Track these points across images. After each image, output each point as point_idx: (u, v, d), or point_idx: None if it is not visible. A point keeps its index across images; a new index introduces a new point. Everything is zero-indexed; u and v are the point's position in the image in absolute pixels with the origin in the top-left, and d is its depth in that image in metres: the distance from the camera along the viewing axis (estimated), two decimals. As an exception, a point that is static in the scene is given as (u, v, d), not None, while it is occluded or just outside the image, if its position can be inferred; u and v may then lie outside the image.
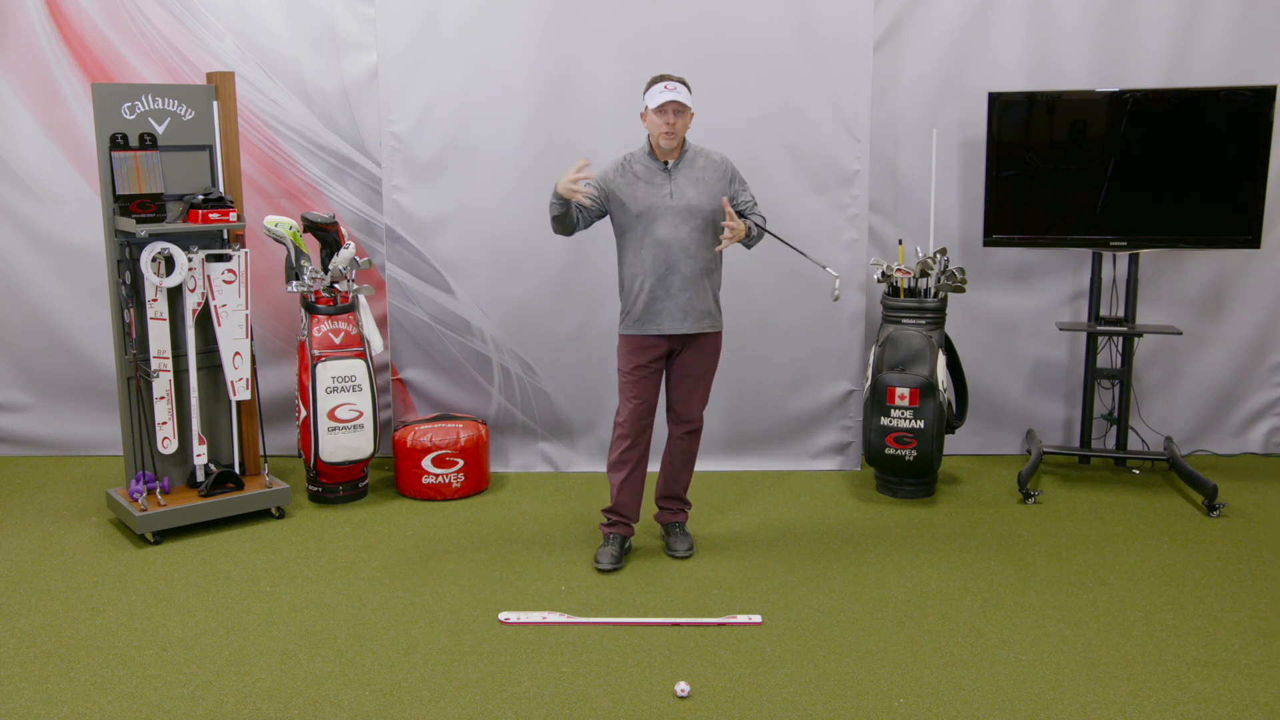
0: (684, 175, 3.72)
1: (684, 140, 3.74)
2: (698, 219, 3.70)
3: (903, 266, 4.66)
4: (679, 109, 3.61)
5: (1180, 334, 4.87)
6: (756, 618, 3.46)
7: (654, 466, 4.05)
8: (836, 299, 3.87)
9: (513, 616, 3.47)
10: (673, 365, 3.84)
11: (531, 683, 3.06)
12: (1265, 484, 4.82)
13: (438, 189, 4.83)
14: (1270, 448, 5.25)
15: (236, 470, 4.43)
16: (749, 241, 3.78)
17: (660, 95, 3.59)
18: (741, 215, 3.78)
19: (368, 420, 4.50)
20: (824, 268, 3.95)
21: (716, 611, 3.51)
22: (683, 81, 3.64)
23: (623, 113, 4.70)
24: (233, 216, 4.24)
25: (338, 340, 4.49)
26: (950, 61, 4.88)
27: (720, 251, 3.73)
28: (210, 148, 4.33)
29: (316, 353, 4.45)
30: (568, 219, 3.69)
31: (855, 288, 4.92)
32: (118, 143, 4.10)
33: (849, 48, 4.73)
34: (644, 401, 3.80)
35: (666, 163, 3.72)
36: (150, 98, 4.18)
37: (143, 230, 4.06)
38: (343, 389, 4.46)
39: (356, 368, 4.48)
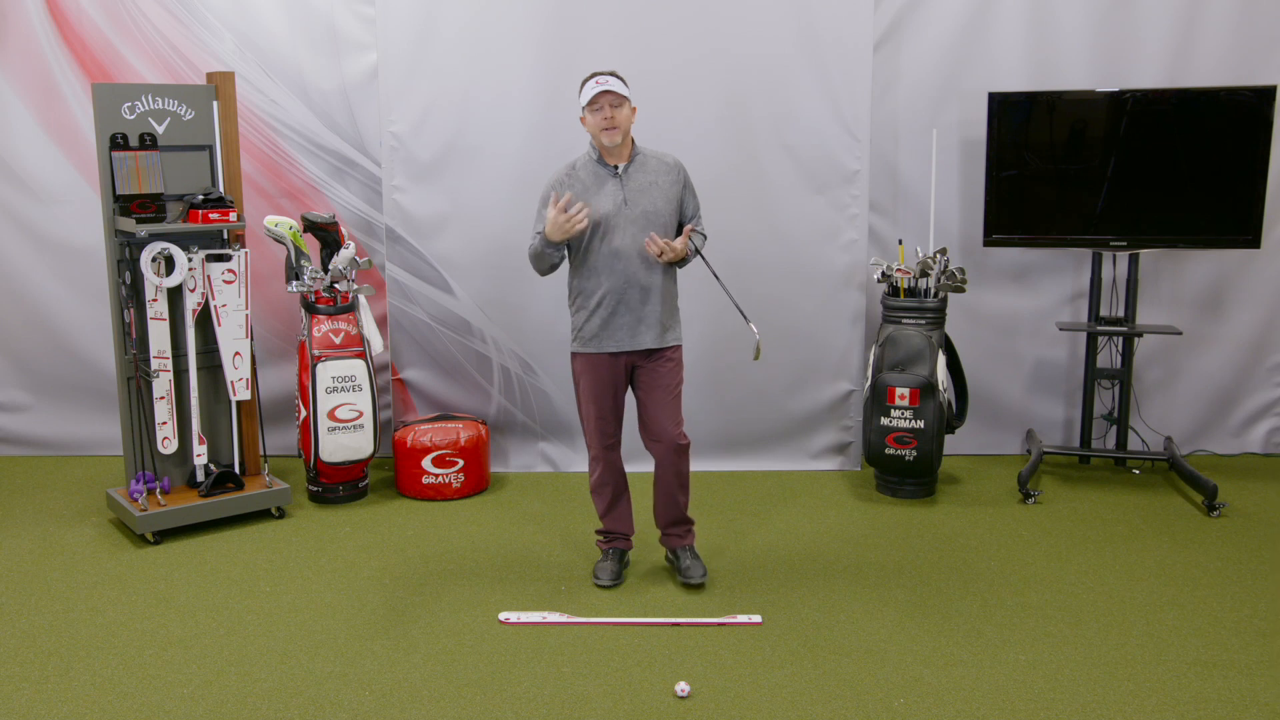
0: (637, 180, 3.50)
1: (632, 141, 3.53)
2: (655, 225, 3.49)
3: (903, 266, 4.66)
4: (616, 101, 3.40)
5: (1180, 334, 4.87)
6: (756, 618, 3.45)
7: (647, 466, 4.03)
8: (756, 358, 3.58)
9: (513, 616, 3.47)
10: (638, 384, 3.61)
11: (531, 683, 3.06)
12: (1265, 484, 4.82)
13: (438, 189, 4.83)
14: (1270, 448, 5.25)
15: (236, 470, 4.43)
16: (682, 263, 3.59)
17: (591, 89, 3.40)
18: (679, 228, 3.61)
19: (368, 420, 4.50)
20: (748, 322, 3.65)
21: (716, 611, 3.51)
22: (614, 74, 3.45)
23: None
24: (233, 216, 4.24)
25: (338, 340, 4.49)
26: (950, 61, 4.88)
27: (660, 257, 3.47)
28: (210, 148, 4.33)
29: (316, 353, 4.45)
30: (557, 258, 3.53)
31: (855, 288, 4.92)
32: (118, 143, 4.10)
33: (849, 48, 4.73)
34: (608, 420, 3.61)
35: (617, 167, 3.51)
36: (150, 98, 4.18)
37: (143, 230, 4.06)
38: (343, 389, 4.46)
39: (356, 368, 4.48)
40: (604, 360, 3.56)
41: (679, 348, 3.65)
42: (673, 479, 3.67)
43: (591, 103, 3.42)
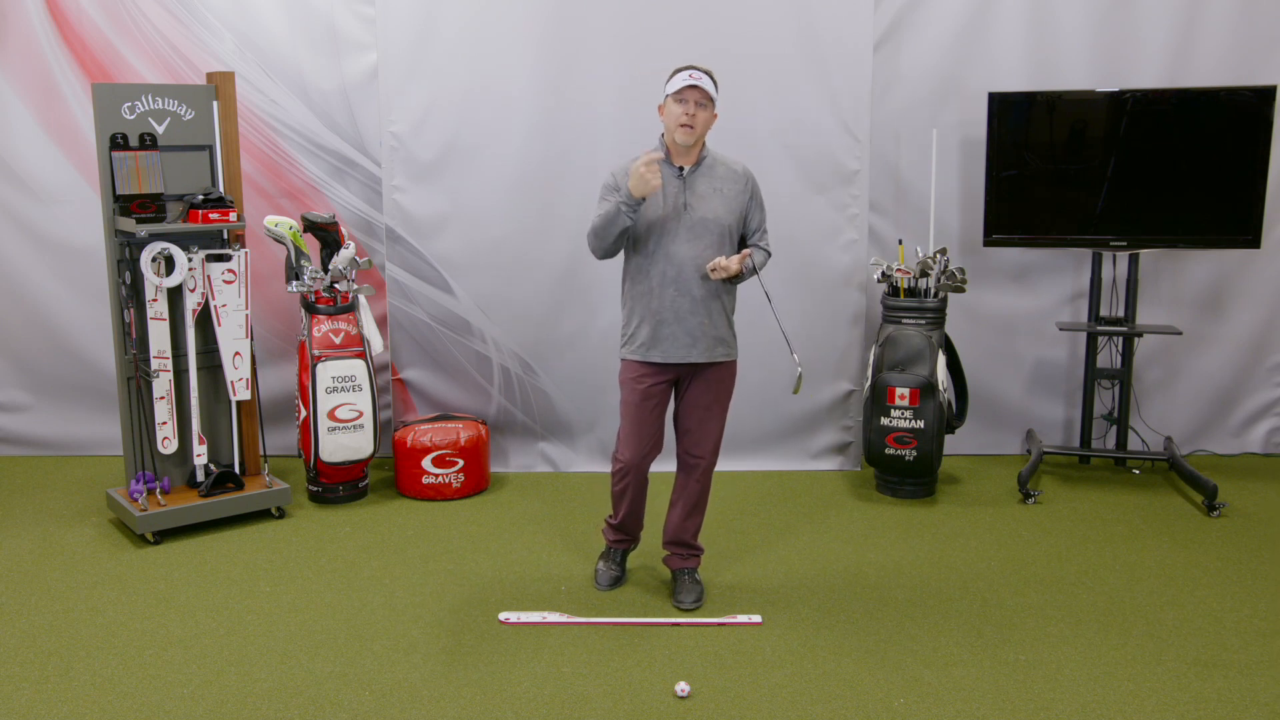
0: (702, 184, 3.36)
1: (703, 144, 3.39)
2: (714, 234, 3.34)
3: (903, 266, 4.66)
4: (702, 99, 3.24)
5: (1180, 334, 4.87)
6: (756, 618, 3.46)
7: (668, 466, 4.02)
8: (796, 392, 3.49)
9: (513, 616, 3.47)
10: (681, 396, 3.50)
11: (531, 683, 3.06)
12: (1265, 484, 4.82)
13: (438, 189, 4.83)
14: (1270, 448, 5.25)
15: (236, 470, 4.43)
16: (738, 280, 3.44)
17: (682, 80, 3.23)
18: (742, 240, 3.47)
19: (368, 420, 4.50)
20: (792, 354, 3.60)
21: (716, 611, 3.51)
22: (710, 75, 3.28)
23: (622, 113, 4.70)
24: (233, 216, 4.24)
25: (338, 340, 4.49)
26: (950, 61, 4.88)
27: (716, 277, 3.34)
28: (210, 148, 4.33)
29: (316, 353, 4.45)
30: (629, 222, 3.26)
31: (855, 288, 4.92)
32: (118, 143, 4.10)
33: (849, 48, 4.73)
34: (647, 439, 3.48)
35: (682, 169, 3.36)
36: (150, 98, 4.18)
37: (143, 230, 4.06)
38: (343, 389, 4.46)
39: (356, 368, 4.48)
40: (650, 370, 3.42)
41: (732, 363, 3.51)
42: (692, 497, 3.58)
43: (678, 94, 3.25)
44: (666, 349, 3.39)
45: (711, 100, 3.29)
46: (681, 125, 3.26)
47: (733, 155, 3.50)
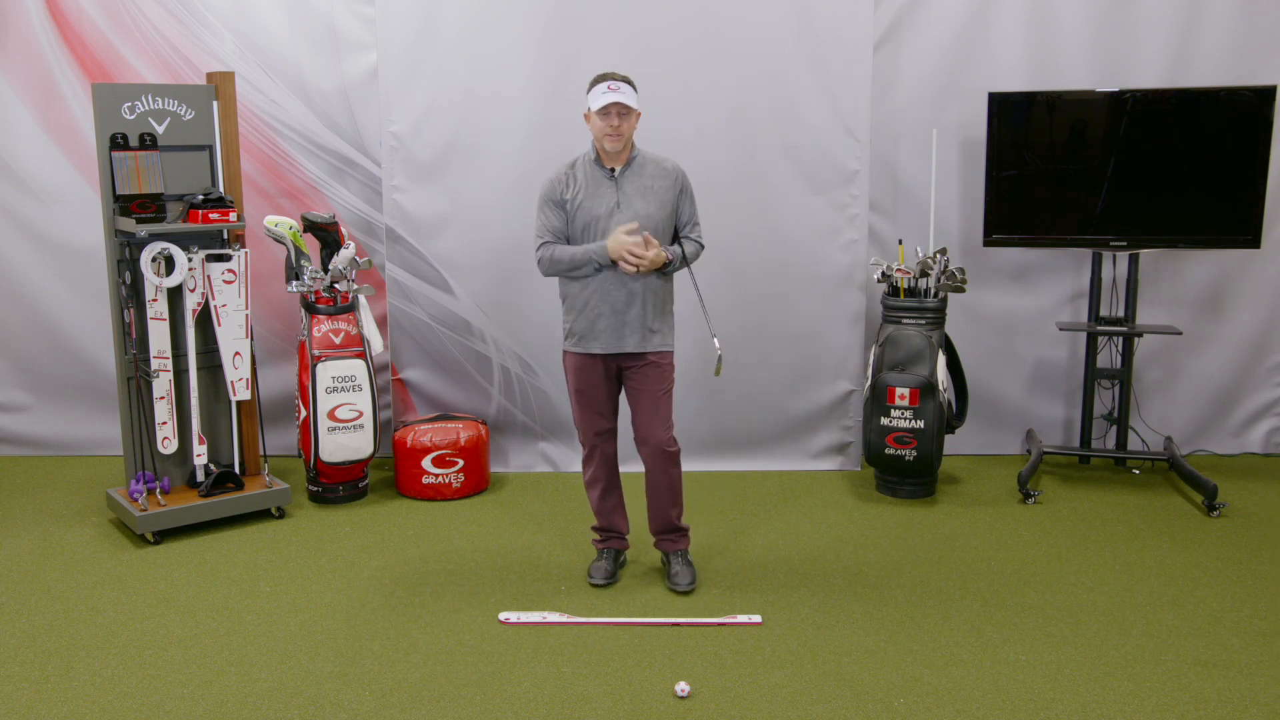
0: (632, 184, 3.50)
1: (632, 145, 3.52)
2: (646, 230, 3.46)
3: (903, 266, 4.66)
4: (623, 111, 3.39)
5: (1180, 334, 4.87)
6: (756, 618, 3.46)
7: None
8: (717, 374, 3.61)
9: (513, 616, 3.47)
10: (626, 387, 3.63)
11: (531, 683, 3.06)
12: (1265, 484, 4.82)
13: (438, 189, 4.83)
14: (1270, 448, 5.25)
15: (236, 470, 4.43)
16: (666, 270, 3.54)
17: (603, 96, 3.38)
18: (676, 236, 3.59)
19: (368, 420, 4.50)
20: (713, 336, 3.65)
21: (716, 611, 3.51)
22: (628, 81, 3.45)
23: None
24: (233, 216, 4.24)
25: (338, 340, 4.49)
26: (950, 61, 4.88)
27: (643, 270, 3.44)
28: (210, 148, 4.33)
29: (316, 353, 4.45)
30: (592, 273, 3.48)
31: (855, 288, 4.92)
32: (118, 143, 4.10)
33: (849, 48, 4.73)
34: (595, 417, 3.62)
35: (613, 170, 3.50)
36: (150, 98, 4.18)
37: (143, 230, 4.06)
38: (343, 389, 4.46)
39: (356, 368, 4.48)
40: (590, 360, 3.56)
41: (668, 353, 3.60)
42: (663, 487, 3.65)
43: (601, 110, 3.40)
44: (604, 340, 3.52)
45: (632, 108, 3.42)
46: (608, 135, 3.42)
47: (664, 154, 3.61)
